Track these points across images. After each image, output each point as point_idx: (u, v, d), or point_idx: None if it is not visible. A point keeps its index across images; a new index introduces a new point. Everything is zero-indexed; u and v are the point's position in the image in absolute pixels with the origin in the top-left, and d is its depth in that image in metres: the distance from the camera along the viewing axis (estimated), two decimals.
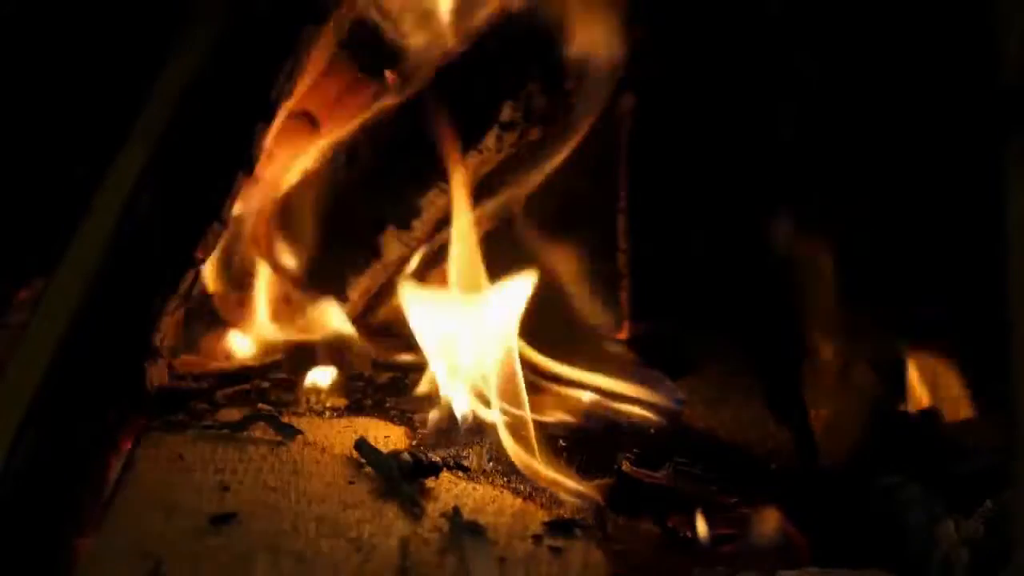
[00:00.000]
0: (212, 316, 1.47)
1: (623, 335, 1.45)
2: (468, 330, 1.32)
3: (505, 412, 1.26)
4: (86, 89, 1.39)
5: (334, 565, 1.03)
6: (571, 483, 1.20)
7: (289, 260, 1.50)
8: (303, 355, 1.45)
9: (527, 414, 1.25)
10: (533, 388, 1.31)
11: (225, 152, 1.27)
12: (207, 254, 1.25)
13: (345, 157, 1.47)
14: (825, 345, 1.37)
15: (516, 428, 1.25)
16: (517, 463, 1.22)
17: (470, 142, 1.43)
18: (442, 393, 1.33)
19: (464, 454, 1.25)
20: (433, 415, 1.32)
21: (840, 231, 1.39)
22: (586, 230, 1.47)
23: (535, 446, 1.24)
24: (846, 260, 1.38)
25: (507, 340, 1.28)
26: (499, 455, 1.25)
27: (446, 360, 1.34)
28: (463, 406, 1.31)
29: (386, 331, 1.51)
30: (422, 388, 1.38)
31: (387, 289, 1.50)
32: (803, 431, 1.31)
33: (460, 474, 1.22)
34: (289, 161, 1.46)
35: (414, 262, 1.50)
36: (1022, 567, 0.92)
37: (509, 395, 1.26)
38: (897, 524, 1.16)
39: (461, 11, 1.43)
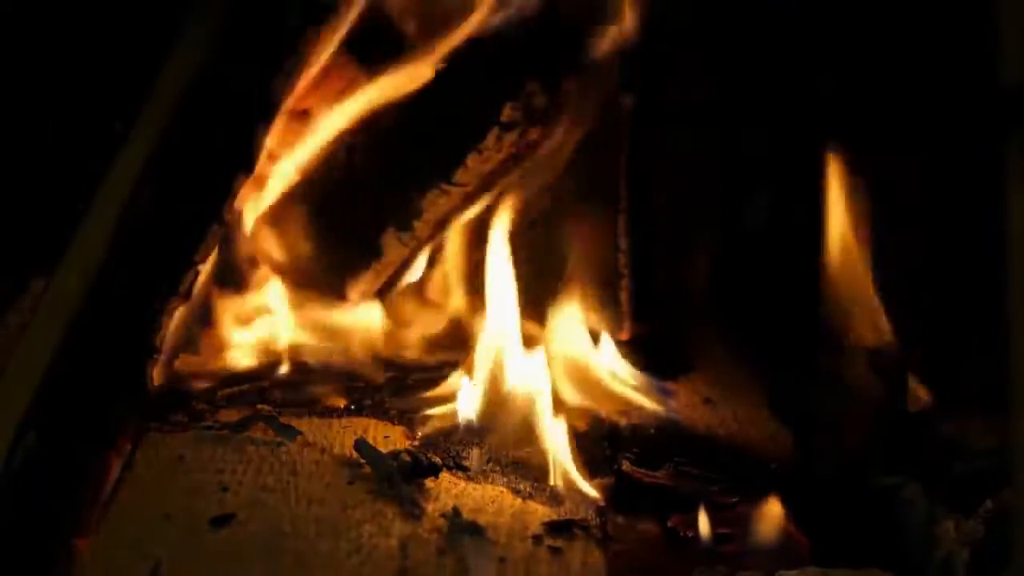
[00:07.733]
0: (212, 316, 1.47)
1: (623, 335, 1.44)
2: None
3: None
4: (86, 89, 1.39)
5: (334, 566, 1.03)
6: (571, 482, 1.20)
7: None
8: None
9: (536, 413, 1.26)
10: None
11: (225, 152, 1.26)
12: (207, 255, 1.25)
13: (345, 156, 1.47)
14: (828, 344, 1.37)
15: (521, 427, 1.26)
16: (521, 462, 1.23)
17: (470, 142, 1.43)
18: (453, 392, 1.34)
19: (464, 454, 1.25)
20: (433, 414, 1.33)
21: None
22: (586, 229, 1.47)
23: (540, 444, 1.24)
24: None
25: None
26: (499, 455, 1.25)
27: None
28: (466, 406, 1.31)
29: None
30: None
31: (387, 289, 1.50)
32: (803, 431, 1.31)
33: (460, 474, 1.22)
34: (289, 160, 1.46)
35: (417, 263, 1.50)
36: (1022, 567, 0.92)
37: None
38: (897, 524, 1.16)
39: (462, 10, 1.43)
